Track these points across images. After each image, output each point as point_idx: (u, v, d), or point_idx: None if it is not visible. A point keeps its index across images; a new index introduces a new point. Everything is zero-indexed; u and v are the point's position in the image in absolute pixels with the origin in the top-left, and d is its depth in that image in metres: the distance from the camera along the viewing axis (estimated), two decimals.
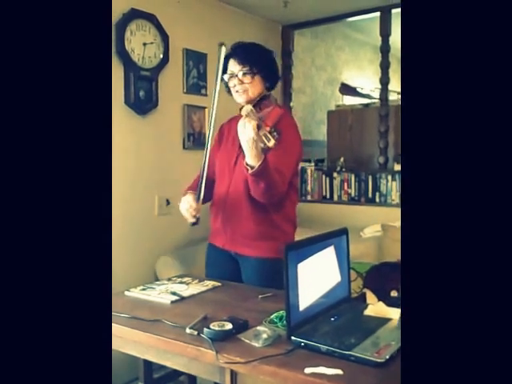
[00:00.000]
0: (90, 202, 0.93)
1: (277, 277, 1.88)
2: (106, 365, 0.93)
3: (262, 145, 1.62)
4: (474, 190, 0.83)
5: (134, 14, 2.51)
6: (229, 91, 1.91)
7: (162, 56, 2.66)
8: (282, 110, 1.86)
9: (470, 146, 0.84)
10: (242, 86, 1.82)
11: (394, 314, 1.38)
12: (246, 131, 1.58)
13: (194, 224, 1.83)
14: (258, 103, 1.82)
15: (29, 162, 0.88)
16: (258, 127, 1.58)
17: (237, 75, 1.82)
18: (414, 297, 0.85)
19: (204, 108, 2.90)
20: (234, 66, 1.83)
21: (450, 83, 0.86)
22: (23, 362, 0.86)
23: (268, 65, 1.87)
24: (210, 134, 1.81)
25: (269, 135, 1.58)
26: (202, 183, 1.82)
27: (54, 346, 0.88)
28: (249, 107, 1.65)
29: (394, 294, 2.26)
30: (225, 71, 1.86)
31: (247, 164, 1.64)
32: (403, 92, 0.91)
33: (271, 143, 1.58)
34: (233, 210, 1.86)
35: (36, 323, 0.87)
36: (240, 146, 1.81)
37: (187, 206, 1.82)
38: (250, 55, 1.83)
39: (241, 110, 1.82)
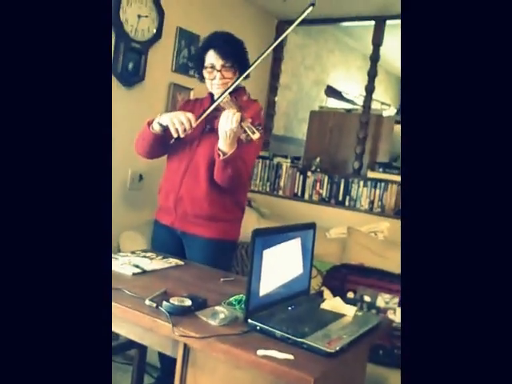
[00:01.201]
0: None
1: (222, 258, 1.94)
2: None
3: (244, 135, 1.70)
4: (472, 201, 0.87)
5: None
6: (201, 78, 1.96)
7: (155, 31, 2.65)
8: (259, 106, 1.97)
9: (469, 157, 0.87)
10: (223, 80, 1.87)
11: (349, 310, 1.42)
12: (228, 123, 1.65)
13: (176, 139, 1.82)
14: (234, 93, 1.84)
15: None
16: (242, 119, 1.65)
17: (219, 70, 1.86)
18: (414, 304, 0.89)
19: (190, 89, 2.89)
20: (215, 60, 1.86)
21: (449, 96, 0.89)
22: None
23: (245, 59, 1.93)
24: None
25: (253, 128, 1.66)
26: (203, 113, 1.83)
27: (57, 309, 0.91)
28: (226, 97, 1.72)
29: (350, 295, 2.32)
30: (201, 61, 1.90)
31: (219, 149, 1.72)
32: (403, 101, 0.95)
33: (256, 136, 1.67)
34: (188, 190, 1.89)
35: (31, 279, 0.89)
36: (203, 131, 1.87)
37: (185, 119, 1.79)
38: (231, 49, 1.87)
39: (212, 96, 1.91)
